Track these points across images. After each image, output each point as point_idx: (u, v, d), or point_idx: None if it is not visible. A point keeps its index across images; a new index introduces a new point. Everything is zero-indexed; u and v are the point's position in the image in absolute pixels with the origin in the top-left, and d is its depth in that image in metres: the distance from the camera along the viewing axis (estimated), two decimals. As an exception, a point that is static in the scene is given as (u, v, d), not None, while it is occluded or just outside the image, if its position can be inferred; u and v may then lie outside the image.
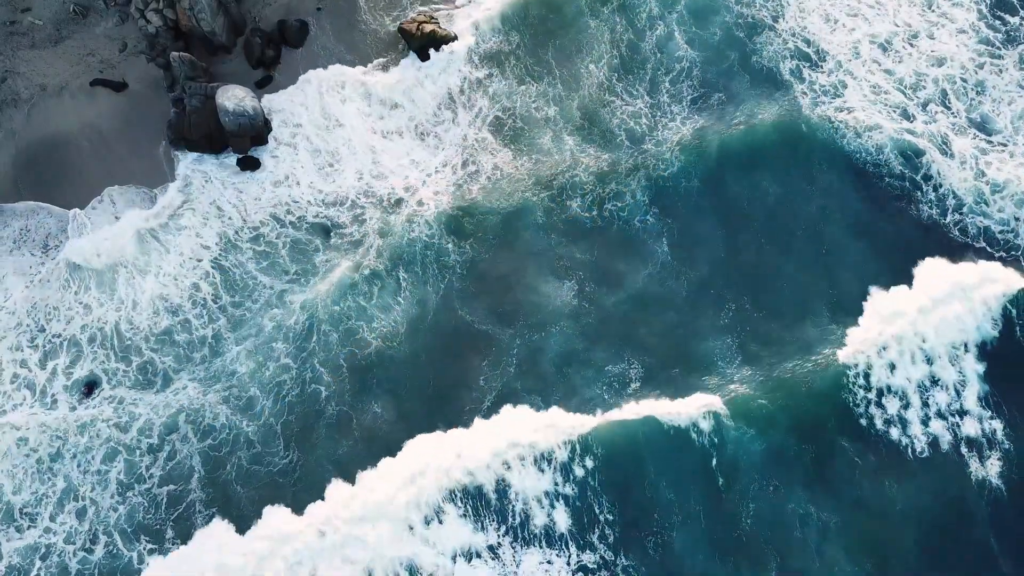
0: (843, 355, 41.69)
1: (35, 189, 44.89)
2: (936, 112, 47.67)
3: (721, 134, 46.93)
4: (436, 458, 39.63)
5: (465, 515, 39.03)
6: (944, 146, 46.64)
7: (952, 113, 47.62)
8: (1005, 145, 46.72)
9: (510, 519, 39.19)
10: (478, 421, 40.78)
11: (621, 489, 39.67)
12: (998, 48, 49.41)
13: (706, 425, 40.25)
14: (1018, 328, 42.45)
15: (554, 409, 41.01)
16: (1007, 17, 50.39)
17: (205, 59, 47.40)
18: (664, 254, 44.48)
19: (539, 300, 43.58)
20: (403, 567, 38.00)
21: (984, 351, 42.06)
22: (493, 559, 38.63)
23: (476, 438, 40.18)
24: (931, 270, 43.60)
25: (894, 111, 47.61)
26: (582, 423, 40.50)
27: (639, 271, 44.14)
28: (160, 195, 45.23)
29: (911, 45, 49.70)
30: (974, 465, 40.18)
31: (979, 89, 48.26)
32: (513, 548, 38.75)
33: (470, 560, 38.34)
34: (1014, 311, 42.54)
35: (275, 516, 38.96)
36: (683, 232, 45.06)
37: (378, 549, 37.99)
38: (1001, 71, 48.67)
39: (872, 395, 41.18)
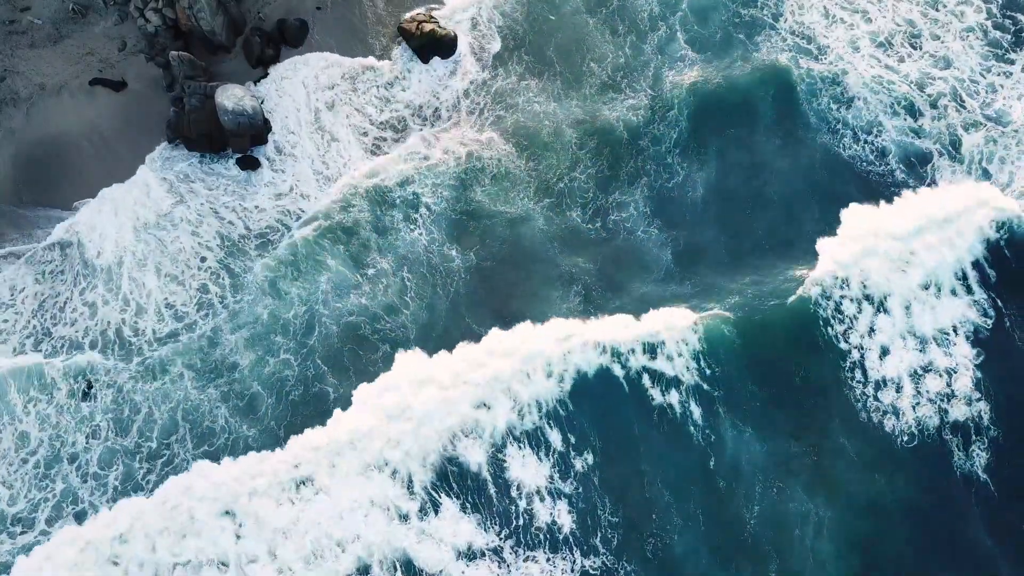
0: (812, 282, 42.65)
1: (34, 188, 44.69)
2: (946, 105, 47.53)
3: (721, 133, 47.17)
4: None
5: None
6: (952, 147, 46.50)
7: (966, 109, 47.49)
8: (1016, 132, 46.73)
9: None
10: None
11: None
12: (1007, 51, 49.13)
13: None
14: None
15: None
16: (1018, 16, 50.13)
17: (204, 58, 47.22)
18: (668, 261, 44.44)
19: (544, 307, 43.36)
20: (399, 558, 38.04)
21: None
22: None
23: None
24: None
25: (898, 104, 47.46)
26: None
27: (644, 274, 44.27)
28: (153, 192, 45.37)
29: (912, 46, 49.50)
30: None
31: (990, 88, 48.10)
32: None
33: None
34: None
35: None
36: (687, 238, 45.07)
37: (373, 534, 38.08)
38: (1010, 75, 48.40)
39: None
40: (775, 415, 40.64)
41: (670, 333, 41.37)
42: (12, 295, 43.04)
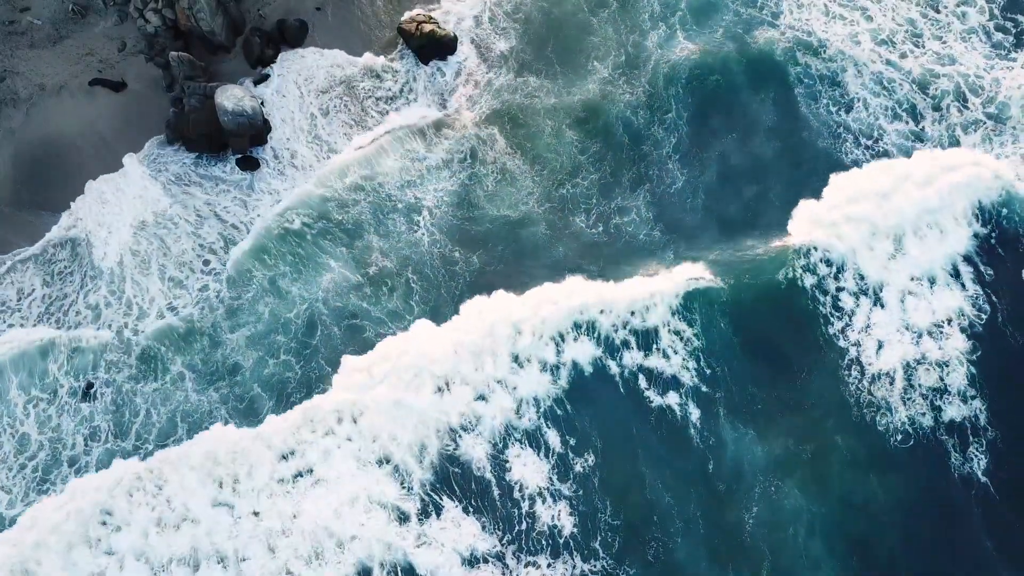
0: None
1: (34, 189, 44.63)
2: (948, 105, 47.58)
3: (721, 136, 47.30)
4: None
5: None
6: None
7: (968, 108, 47.58)
8: (1014, 128, 46.85)
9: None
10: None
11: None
12: (1008, 51, 49.08)
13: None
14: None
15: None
16: (1018, 18, 50.11)
17: (204, 59, 47.18)
18: (671, 260, 44.39)
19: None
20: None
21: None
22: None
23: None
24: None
25: (899, 106, 47.45)
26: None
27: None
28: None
29: (915, 44, 49.45)
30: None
31: (995, 83, 48.13)
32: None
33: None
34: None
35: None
36: (687, 240, 45.14)
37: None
38: (1011, 68, 48.37)
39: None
40: (772, 414, 40.69)
41: (658, 302, 41.88)
42: (19, 299, 43.02)
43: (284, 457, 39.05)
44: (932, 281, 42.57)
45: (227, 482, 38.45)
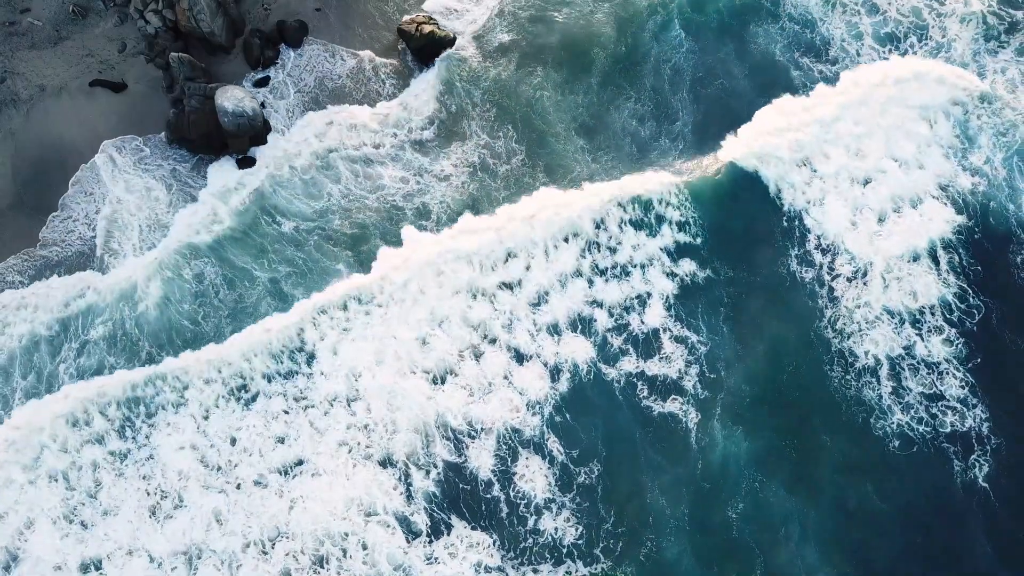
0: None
1: (34, 190, 44.76)
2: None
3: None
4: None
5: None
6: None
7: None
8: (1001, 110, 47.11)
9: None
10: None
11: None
12: (1003, 43, 49.17)
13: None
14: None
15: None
16: (1012, 11, 50.21)
17: (204, 59, 47.20)
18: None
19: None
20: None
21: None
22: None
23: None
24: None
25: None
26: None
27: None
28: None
29: (918, 37, 49.44)
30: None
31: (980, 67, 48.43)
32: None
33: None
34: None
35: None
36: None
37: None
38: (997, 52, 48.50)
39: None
40: (768, 414, 40.95)
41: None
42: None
43: (281, 440, 39.38)
44: (916, 258, 43.70)
45: (224, 467, 38.96)
